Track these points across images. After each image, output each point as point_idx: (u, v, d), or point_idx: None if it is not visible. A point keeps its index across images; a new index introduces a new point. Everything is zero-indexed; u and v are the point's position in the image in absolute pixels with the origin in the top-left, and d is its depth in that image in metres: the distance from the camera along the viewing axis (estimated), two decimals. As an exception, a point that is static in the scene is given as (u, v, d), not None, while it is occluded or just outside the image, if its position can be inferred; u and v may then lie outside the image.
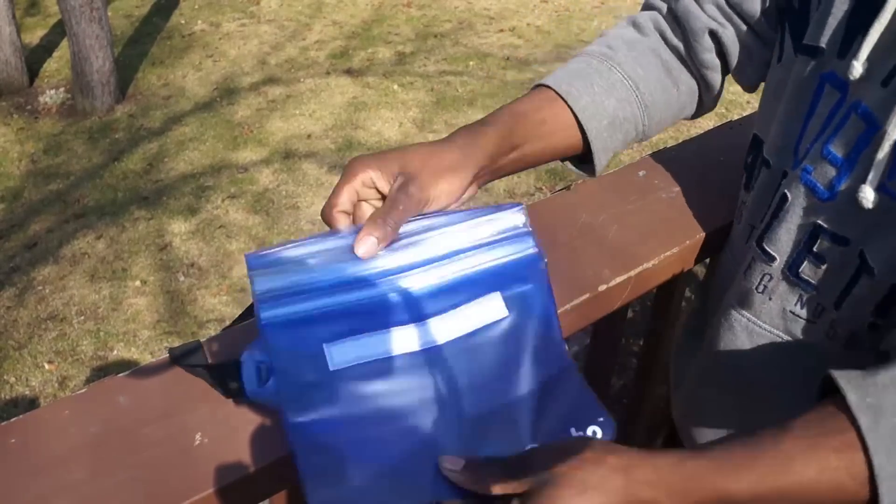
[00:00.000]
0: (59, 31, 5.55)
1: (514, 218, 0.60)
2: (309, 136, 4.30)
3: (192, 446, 0.56)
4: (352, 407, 0.52)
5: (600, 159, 0.74)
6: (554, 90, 0.71)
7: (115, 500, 0.53)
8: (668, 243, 0.80)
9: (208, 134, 4.39)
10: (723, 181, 0.89)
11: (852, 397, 0.46)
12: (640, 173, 0.90)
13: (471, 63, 5.10)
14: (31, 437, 0.57)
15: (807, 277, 0.62)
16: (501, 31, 5.61)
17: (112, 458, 0.55)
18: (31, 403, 2.67)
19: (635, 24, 0.77)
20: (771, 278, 0.66)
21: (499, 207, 0.61)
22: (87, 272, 3.30)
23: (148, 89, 4.99)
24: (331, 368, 0.53)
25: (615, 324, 1.00)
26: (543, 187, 3.74)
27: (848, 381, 0.47)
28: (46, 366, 2.82)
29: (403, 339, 0.55)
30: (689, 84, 0.77)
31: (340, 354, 0.53)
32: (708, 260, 0.95)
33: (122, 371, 0.63)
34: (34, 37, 5.76)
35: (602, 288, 0.74)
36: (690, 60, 0.75)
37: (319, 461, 0.50)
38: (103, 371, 2.78)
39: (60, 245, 3.48)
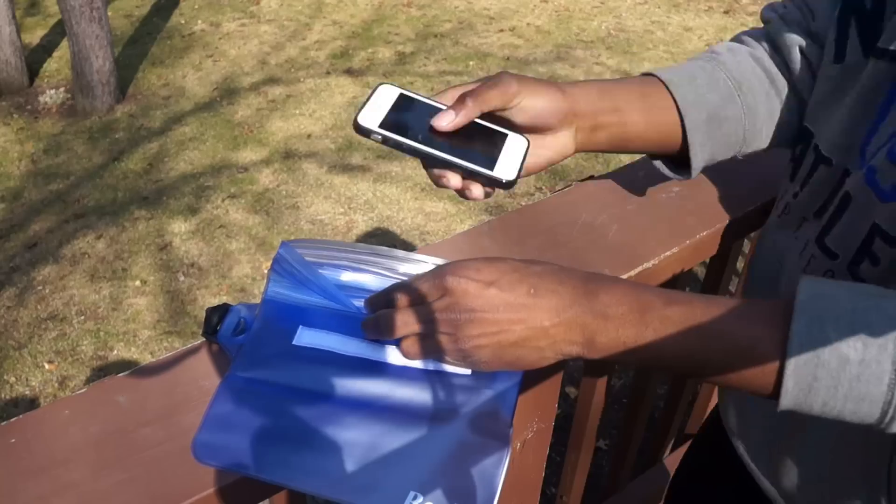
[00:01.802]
0: (59, 31, 5.55)
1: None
2: (309, 136, 4.30)
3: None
4: (289, 378, 0.56)
5: (697, 155, 0.73)
6: (657, 77, 0.72)
7: (115, 500, 0.53)
8: (668, 243, 0.80)
9: (208, 134, 4.39)
10: (721, 182, 0.89)
11: (805, 282, 0.49)
12: (640, 173, 0.90)
13: (471, 63, 5.10)
14: (31, 437, 0.57)
15: (864, 276, 0.63)
16: (501, 31, 5.61)
17: (112, 458, 0.55)
18: (31, 403, 2.67)
19: (740, 39, 0.78)
20: (834, 275, 0.65)
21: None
22: (87, 272, 3.30)
23: (148, 89, 4.99)
24: (293, 343, 0.58)
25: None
26: (543, 187, 3.74)
27: (809, 277, 0.50)
28: (46, 366, 2.82)
29: (364, 347, 0.59)
30: (792, 101, 0.76)
31: (307, 337, 0.59)
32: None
33: (122, 371, 0.63)
34: (34, 37, 5.75)
35: (602, 288, 0.74)
36: (790, 78, 0.75)
37: (229, 410, 0.54)
38: (103, 371, 2.78)
39: (60, 245, 3.48)
